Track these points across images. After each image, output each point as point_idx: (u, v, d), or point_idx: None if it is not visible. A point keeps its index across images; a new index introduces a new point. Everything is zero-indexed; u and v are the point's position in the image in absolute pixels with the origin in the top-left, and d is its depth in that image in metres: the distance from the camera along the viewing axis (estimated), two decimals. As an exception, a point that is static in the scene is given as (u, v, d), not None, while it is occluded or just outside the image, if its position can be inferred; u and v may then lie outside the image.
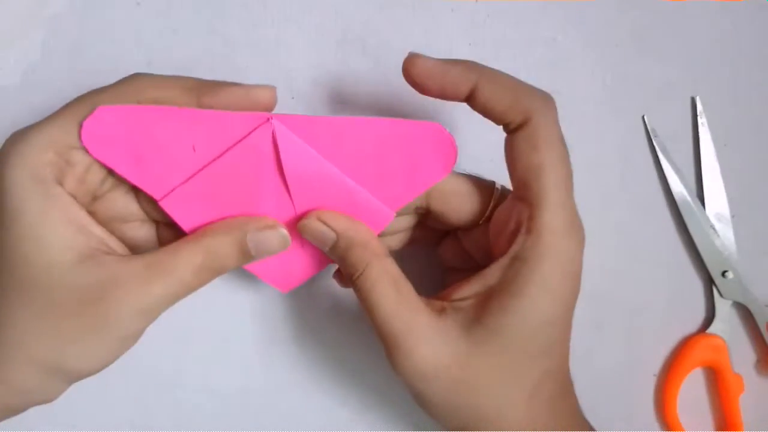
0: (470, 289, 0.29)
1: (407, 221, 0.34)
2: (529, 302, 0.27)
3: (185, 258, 0.27)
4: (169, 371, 0.37)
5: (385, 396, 0.38)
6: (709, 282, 0.40)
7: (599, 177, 0.40)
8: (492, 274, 0.29)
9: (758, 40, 0.41)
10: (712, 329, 0.40)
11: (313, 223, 0.30)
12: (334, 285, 0.36)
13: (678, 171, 0.40)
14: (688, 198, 0.40)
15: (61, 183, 0.27)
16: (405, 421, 0.38)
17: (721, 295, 0.40)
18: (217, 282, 0.37)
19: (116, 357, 0.28)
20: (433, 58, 0.29)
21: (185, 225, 0.30)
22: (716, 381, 0.40)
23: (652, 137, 0.40)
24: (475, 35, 0.39)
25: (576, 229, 0.29)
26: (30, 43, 0.35)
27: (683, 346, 0.40)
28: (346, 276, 0.30)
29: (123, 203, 0.30)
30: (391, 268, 0.29)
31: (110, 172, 0.29)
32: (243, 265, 0.29)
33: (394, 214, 0.31)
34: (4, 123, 0.34)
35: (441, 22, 0.38)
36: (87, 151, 0.27)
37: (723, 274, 0.40)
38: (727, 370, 0.39)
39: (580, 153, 0.39)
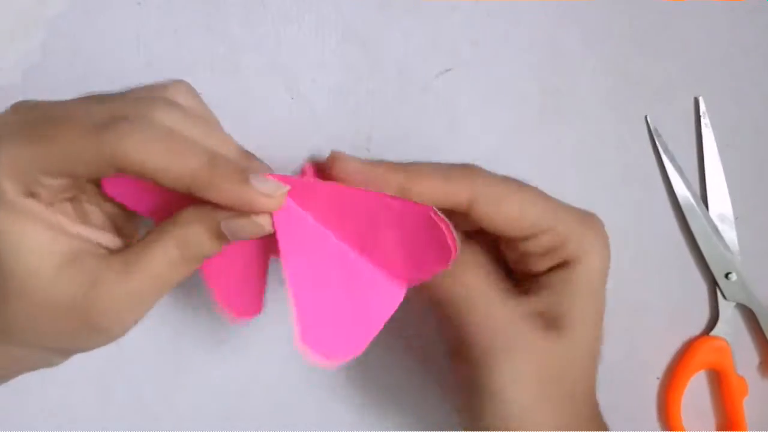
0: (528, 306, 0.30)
1: None
2: (589, 297, 0.30)
3: (160, 253, 0.26)
4: (169, 371, 0.37)
5: (386, 396, 0.38)
6: (712, 284, 0.40)
7: (601, 178, 0.40)
8: (544, 293, 0.30)
9: (761, 39, 0.41)
10: (715, 331, 0.39)
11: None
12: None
13: (681, 172, 0.40)
14: (691, 199, 0.39)
15: (33, 196, 0.26)
16: (405, 422, 0.38)
17: (724, 297, 0.40)
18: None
19: (115, 340, 0.28)
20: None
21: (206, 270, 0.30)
22: (720, 383, 0.40)
23: (654, 138, 0.40)
24: (475, 35, 0.39)
25: (604, 229, 0.31)
26: (30, 44, 0.36)
27: (686, 349, 0.40)
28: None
29: None
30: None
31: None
32: (222, 248, 0.28)
33: (404, 292, 0.28)
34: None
35: (441, 22, 0.38)
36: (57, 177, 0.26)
37: (726, 276, 0.39)
38: (731, 373, 0.39)
39: (582, 154, 0.40)
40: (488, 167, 0.33)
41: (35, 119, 0.26)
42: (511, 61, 0.39)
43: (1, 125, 0.25)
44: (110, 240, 0.28)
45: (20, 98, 0.28)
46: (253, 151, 0.30)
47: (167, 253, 0.26)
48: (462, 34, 0.39)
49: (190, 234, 0.26)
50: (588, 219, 0.31)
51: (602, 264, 0.30)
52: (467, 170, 0.30)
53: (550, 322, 0.29)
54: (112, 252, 0.27)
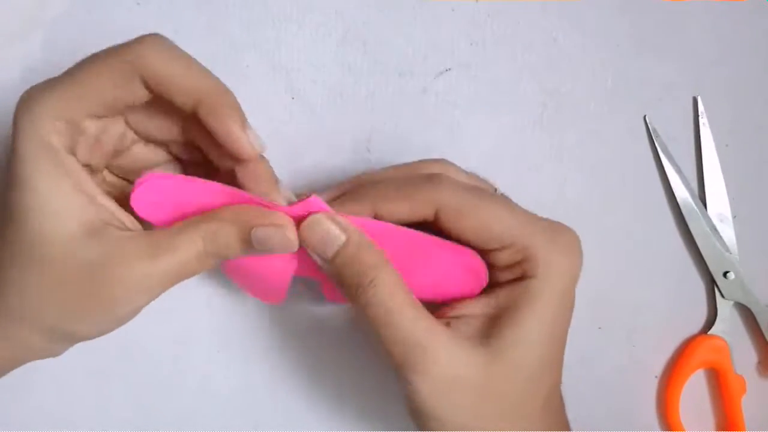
0: (476, 307, 0.29)
1: None
2: (540, 314, 0.28)
3: (188, 241, 0.27)
4: (168, 371, 0.37)
5: (383, 397, 0.38)
6: (710, 283, 0.40)
7: (600, 177, 0.40)
8: (500, 295, 0.29)
9: (759, 40, 0.41)
10: (713, 330, 0.40)
11: (323, 222, 0.28)
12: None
13: (679, 171, 0.40)
14: (690, 198, 0.40)
15: (72, 152, 0.27)
16: (402, 422, 0.38)
17: (722, 295, 0.40)
18: (217, 283, 0.37)
19: (116, 327, 0.29)
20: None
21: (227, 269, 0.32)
22: (718, 382, 0.40)
23: (653, 137, 0.40)
24: (475, 35, 0.39)
25: (575, 246, 0.30)
26: (30, 43, 0.36)
27: (685, 348, 0.40)
28: (350, 286, 0.27)
29: (148, 151, 0.30)
30: (401, 278, 0.28)
31: (128, 126, 0.29)
32: (246, 255, 0.29)
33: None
34: (6, 123, 0.34)
35: (441, 22, 0.38)
36: (98, 118, 0.27)
37: (725, 274, 0.39)
38: (729, 372, 0.39)
39: (581, 153, 0.40)
40: (488, 168, 0.34)
41: (66, 70, 0.27)
42: (511, 61, 0.39)
43: (35, 89, 0.27)
44: (131, 222, 0.29)
45: (20, 97, 0.28)
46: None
47: (196, 245, 0.27)
48: (462, 34, 0.39)
49: (222, 231, 0.27)
50: (557, 234, 0.29)
51: (564, 282, 0.29)
52: (432, 183, 0.29)
53: (483, 340, 0.28)
54: (134, 232, 0.28)
